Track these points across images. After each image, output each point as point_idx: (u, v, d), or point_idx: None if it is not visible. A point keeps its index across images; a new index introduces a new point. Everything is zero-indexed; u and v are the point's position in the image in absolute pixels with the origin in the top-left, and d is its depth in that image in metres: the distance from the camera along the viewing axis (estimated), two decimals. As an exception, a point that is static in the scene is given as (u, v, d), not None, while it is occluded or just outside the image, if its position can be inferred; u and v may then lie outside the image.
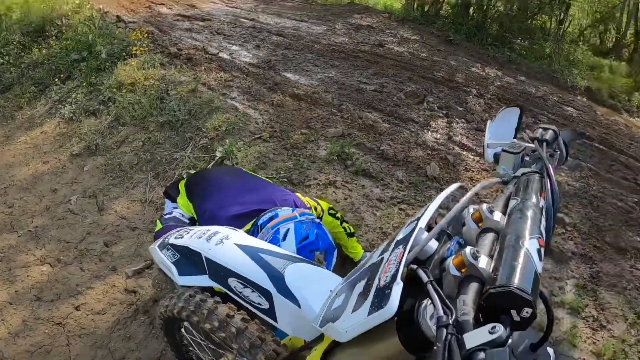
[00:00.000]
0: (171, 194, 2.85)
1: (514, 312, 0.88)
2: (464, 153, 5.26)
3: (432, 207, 1.21)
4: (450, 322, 0.90)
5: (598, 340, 3.47)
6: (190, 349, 2.29)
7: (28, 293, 3.42)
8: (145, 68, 5.89)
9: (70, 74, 6.25)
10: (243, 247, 1.50)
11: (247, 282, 1.41)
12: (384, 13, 11.96)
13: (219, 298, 1.64)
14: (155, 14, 10.09)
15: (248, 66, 6.70)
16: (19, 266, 3.65)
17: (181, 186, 2.83)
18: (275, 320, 1.43)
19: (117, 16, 8.42)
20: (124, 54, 6.28)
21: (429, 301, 0.98)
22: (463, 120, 6.12)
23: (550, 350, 1.13)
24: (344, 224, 3.08)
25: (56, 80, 6.13)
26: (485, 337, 0.83)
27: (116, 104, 5.39)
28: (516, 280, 0.89)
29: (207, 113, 4.97)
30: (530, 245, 0.99)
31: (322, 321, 1.19)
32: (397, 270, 1.02)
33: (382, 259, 1.15)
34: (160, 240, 1.70)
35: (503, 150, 1.41)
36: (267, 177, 3.99)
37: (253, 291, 1.40)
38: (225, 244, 1.51)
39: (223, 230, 1.61)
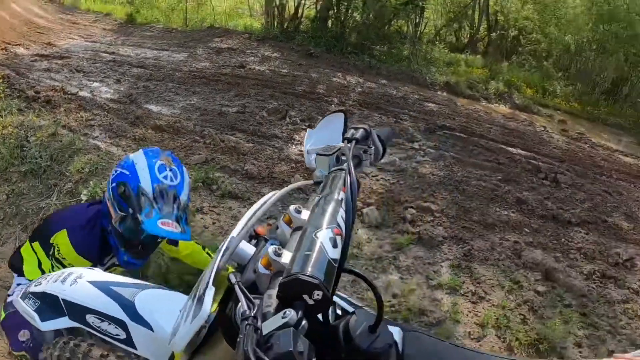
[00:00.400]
0: (15, 264, 2.54)
1: (306, 297, 0.96)
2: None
3: (246, 216, 1.32)
4: (252, 314, 0.99)
5: (480, 312, 3.76)
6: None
7: None
8: (2, 116, 5.77)
9: None
10: (95, 283, 1.56)
11: (102, 315, 1.47)
12: (244, 34, 12.14)
13: (92, 341, 1.68)
14: (11, 56, 9.79)
15: (109, 102, 6.71)
16: None
17: (24, 250, 2.49)
18: (135, 348, 1.47)
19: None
20: (-23, 102, 6.12)
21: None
22: (324, 131, 6.41)
23: (394, 328, 1.25)
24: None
25: None
26: (278, 322, 0.92)
27: None
28: (309, 268, 0.97)
29: (69, 156, 4.94)
30: (324, 235, 1.07)
31: (170, 338, 1.26)
32: (209, 277, 1.14)
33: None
34: (22, 291, 1.77)
35: (317, 154, 1.50)
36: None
37: (109, 324, 1.46)
38: (79, 282, 1.56)
39: (76, 270, 1.66)
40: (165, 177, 2.20)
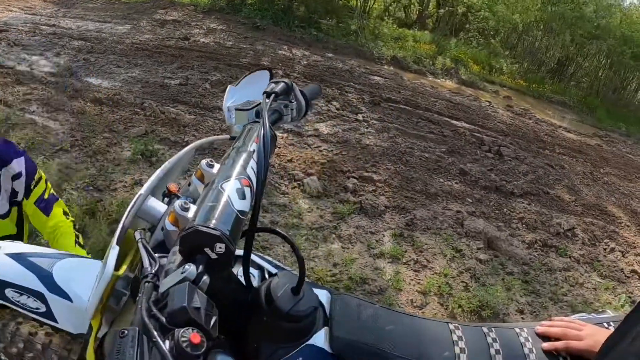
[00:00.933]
0: None
1: (208, 250, 0.93)
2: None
3: (155, 173, 1.32)
4: (153, 272, 0.99)
5: (422, 280, 3.78)
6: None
7: None
8: None
9: None
10: (12, 255, 1.46)
11: (20, 289, 1.38)
12: (190, 6, 11.97)
13: (20, 318, 1.60)
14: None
15: (48, 76, 6.52)
16: None
17: None
18: (56, 322, 1.39)
19: None
20: None
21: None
22: (267, 101, 6.44)
23: (321, 291, 1.27)
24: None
25: None
26: (177, 278, 0.88)
27: None
28: (212, 221, 0.94)
29: (4, 132, 4.75)
30: (231, 186, 1.04)
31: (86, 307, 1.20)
32: (114, 236, 1.12)
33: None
34: None
35: (236, 109, 1.45)
36: (71, 189, 4.04)
37: (28, 297, 1.38)
38: (3, 250, 1.48)
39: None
40: None
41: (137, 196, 1.23)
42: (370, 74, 8.92)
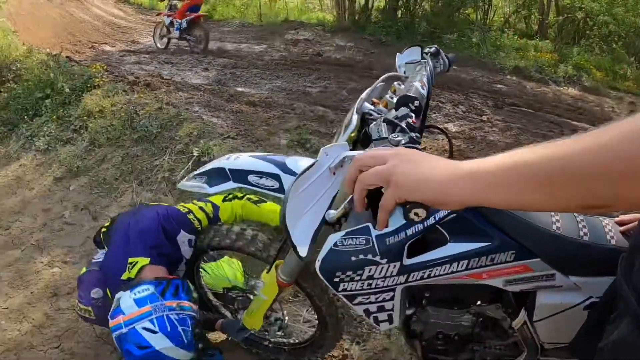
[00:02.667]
0: (98, 240, 2.68)
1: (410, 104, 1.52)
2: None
3: (365, 93, 1.77)
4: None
5: None
6: (207, 290, 2.85)
7: (44, 292, 3.63)
8: (110, 96, 6.31)
9: (37, 111, 6.52)
10: (252, 156, 1.97)
11: (261, 174, 1.83)
12: (318, 26, 12.55)
13: (256, 228, 2.30)
14: (100, 53, 10.47)
15: (203, 85, 7.22)
16: (30, 273, 3.86)
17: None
18: (285, 193, 1.80)
19: (67, 57, 8.77)
20: (87, 86, 6.67)
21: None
22: (402, 106, 6.82)
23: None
24: (248, 197, 2.71)
25: (25, 117, 6.46)
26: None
27: (88, 129, 5.77)
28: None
29: (177, 125, 5.42)
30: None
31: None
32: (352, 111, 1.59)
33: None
34: (185, 178, 2.09)
35: (406, 63, 2.06)
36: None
37: (267, 179, 1.81)
38: (241, 156, 1.97)
39: (234, 154, 2.06)
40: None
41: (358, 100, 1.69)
42: (492, 83, 9.08)
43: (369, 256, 1.37)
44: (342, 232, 1.40)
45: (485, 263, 1.36)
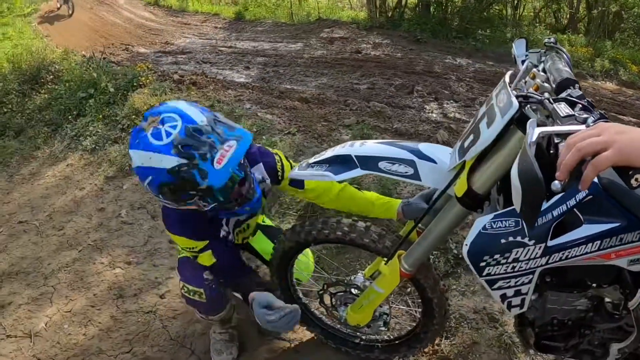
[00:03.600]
0: None
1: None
2: (462, 125, 5.75)
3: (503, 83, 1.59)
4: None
5: None
6: (297, 287, 2.69)
7: (108, 293, 3.49)
8: (157, 95, 6.21)
9: (80, 111, 6.47)
10: (380, 142, 1.88)
11: (393, 160, 1.74)
12: (352, 24, 12.49)
13: (338, 217, 2.19)
14: (135, 55, 10.44)
15: (247, 84, 7.09)
16: (90, 274, 3.72)
17: None
18: (420, 180, 1.73)
19: (104, 58, 8.71)
20: (132, 85, 6.59)
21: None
22: (452, 101, 6.72)
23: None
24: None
25: (69, 117, 6.37)
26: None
27: None
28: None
29: (236, 120, 5.29)
30: None
31: (459, 156, 1.59)
32: (509, 95, 1.42)
33: (490, 103, 1.56)
34: (296, 168, 1.97)
35: (530, 53, 1.95)
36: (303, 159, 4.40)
37: (400, 165, 1.73)
38: (367, 143, 1.87)
39: (356, 141, 1.95)
40: (168, 136, 1.77)
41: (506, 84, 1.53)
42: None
43: (518, 238, 1.43)
44: (491, 215, 1.47)
45: (615, 243, 1.41)
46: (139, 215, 4.46)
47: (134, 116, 5.89)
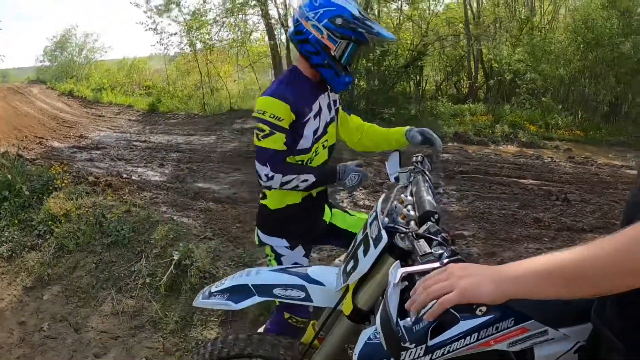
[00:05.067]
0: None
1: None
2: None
3: (378, 209, 1.92)
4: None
5: None
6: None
7: None
8: (73, 199, 6.28)
9: (-5, 215, 6.43)
10: (273, 270, 2.16)
11: (286, 286, 2.02)
12: (264, 115, 12.91)
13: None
14: (49, 149, 10.42)
15: (163, 183, 7.31)
16: None
17: None
18: (312, 302, 2.02)
19: (18, 154, 8.66)
20: (48, 188, 6.64)
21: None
22: (360, 187, 7.17)
23: None
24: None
25: (-17, 223, 6.28)
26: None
27: (54, 234, 5.67)
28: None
29: (149, 227, 5.45)
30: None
31: (343, 279, 1.89)
32: (380, 228, 1.75)
33: (365, 232, 1.88)
34: (200, 296, 2.25)
35: (399, 172, 2.36)
36: (224, 265, 4.64)
37: (292, 290, 2.01)
38: (261, 272, 2.14)
39: (251, 269, 2.22)
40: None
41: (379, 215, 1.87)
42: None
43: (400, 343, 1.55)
44: (374, 327, 1.65)
45: (492, 332, 1.59)
46: (61, 328, 4.43)
47: (50, 222, 5.88)
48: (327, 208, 3.06)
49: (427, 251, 1.53)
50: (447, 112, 13.53)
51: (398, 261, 1.62)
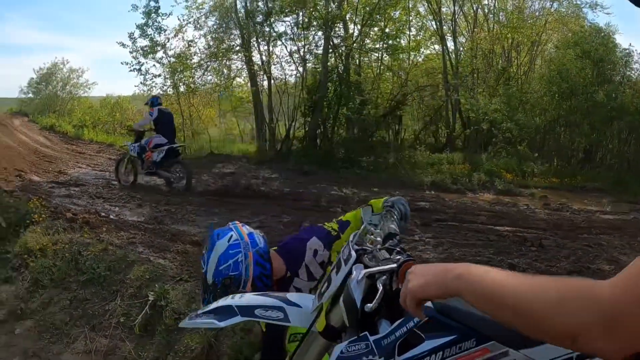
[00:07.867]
0: None
1: None
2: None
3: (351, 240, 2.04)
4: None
5: None
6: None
7: None
8: (50, 234, 6.31)
9: (-33, 245, 6.38)
10: (257, 294, 2.26)
11: (266, 307, 2.11)
12: (242, 158, 13.11)
13: None
14: (27, 183, 10.42)
15: (141, 224, 7.38)
16: None
17: None
18: (290, 322, 2.13)
19: (-1, 187, 8.71)
20: (26, 221, 6.68)
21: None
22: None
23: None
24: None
25: (-42, 251, 6.27)
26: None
27: (29, 269, 5.69)
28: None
29: (126, 267, 5.49)
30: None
31: (318, 300, 1.99)
32: (350, 249, 1.89)
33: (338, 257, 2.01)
34: (187, 318, 2.32)
35: (368, 224, 2.34)
36: (195, 308, 4.68)
37: (272, 311, 2.10)
38: (245, 296, 2.25)
39: (236, 294, 2.30)
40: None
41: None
42: (415, 201, 9.64)
43: (370, 357, 1.72)
44: (346, 342, 1.79)
45: (455, 352, 1.66)
46: (32, 364, 4.52)
47: (25, 255, 5.90)
48: None
49: (387, 257, 1.78)
50: (425, 161, 13.80)
51: (361, 265, 1.79)
